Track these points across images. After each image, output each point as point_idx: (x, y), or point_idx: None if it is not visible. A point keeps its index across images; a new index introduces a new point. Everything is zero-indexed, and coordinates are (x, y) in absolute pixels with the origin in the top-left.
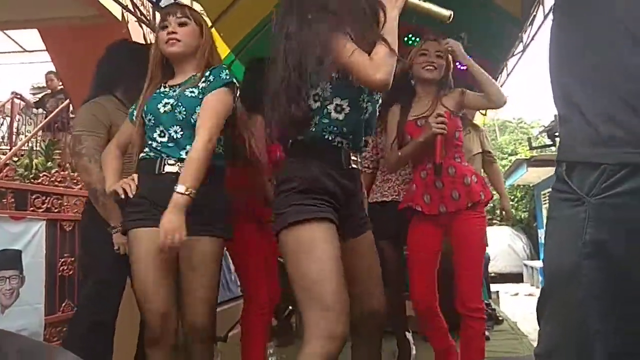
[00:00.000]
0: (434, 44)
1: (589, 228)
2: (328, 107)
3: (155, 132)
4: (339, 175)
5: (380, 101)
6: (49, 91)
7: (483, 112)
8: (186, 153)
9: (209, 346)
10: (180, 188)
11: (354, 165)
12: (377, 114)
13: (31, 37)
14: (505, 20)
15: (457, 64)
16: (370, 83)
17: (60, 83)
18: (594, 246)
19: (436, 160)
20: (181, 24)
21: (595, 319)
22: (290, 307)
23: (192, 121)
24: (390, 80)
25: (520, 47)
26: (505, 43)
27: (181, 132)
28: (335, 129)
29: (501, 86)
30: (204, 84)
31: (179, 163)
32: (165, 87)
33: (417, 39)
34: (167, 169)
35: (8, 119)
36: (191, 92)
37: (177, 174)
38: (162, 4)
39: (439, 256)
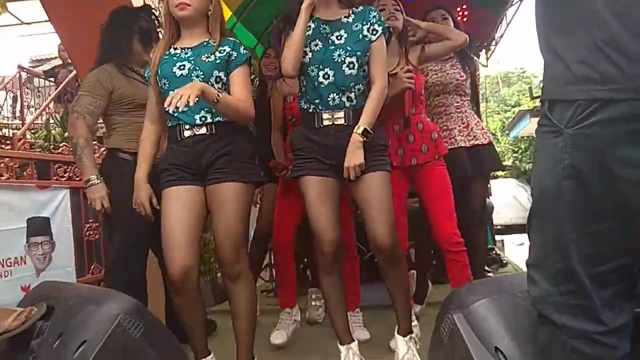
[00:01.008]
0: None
1: (566, 154)
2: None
3: (170, 95)
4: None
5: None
6: (57, 62)
7: (484, 63)
8: (200, 118)
9: (242, 283)
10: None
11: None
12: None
13: (29, 9)
14: None
15: None
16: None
17: None
18: (571, 169)
19: (405, 113)
20: None
21: (571, 229)
22: (305, 259)
23: (210, 84)
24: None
25: None
26: None
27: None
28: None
29: (501, 37)
30: (222, 54)
31: (194, 128)
32: (176, 49)
33: None
34: (185, 134)
35: (13, 93)
36: (207, 57)
37: (193, 136)
38: None
39: (405, 205)
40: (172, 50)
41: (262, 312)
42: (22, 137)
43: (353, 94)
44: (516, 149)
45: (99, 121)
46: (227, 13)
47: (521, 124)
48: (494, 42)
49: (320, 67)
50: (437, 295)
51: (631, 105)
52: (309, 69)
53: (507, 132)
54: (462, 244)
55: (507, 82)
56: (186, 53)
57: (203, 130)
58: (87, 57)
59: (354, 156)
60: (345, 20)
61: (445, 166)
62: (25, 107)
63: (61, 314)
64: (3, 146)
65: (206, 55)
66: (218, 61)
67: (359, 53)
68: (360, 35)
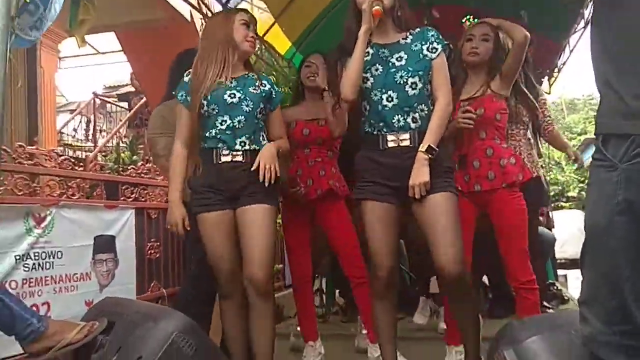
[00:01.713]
0: (480, 27)
1: (620, 189)
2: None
3: (218, 120)
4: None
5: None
6: (130, 89)
7: (547, 90)
8: (240, 143)
9: (266, 300)
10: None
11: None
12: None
13: (104, 40)
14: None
15: None
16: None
17: None
18: (625, 204)
19: (461, 151)
20: (255, 34)
21: (625, 266)
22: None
23: (255, 114)
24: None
25: (582, 24)
26: (566, 20)
27: (244, 122)
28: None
29: (564, 64)
30: (265, 89)
31: (232, 152)
32: (221, 77)
33: (476, 20)
34: (223, 159)
35: (87, 118)
36: (255, 90)
37: (230, 162)
38: (231, 4)
39: (472, 232)
40: (222, 78)
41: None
42: (93, 158)
43: (417, 114)
44: (582, 179)
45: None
46: (287, 44)
47: (587, 153)
48: (556, 70)
49: (383, 90)
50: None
51: None
52: (372, 93)
53: (571, 161)
54: (534, 281)
55: (573, 108)
56: (231, 82)
57: (239, 158)
58: (156, 86)
59: (419, 174)
60: (403, 42)
61: (520, 195)
62: (98, 131)
63: (121, 329)
64: (76, 168)
65: (253, 87)
66: (264, 94)
67: (420, 73)
68: (421, 55)
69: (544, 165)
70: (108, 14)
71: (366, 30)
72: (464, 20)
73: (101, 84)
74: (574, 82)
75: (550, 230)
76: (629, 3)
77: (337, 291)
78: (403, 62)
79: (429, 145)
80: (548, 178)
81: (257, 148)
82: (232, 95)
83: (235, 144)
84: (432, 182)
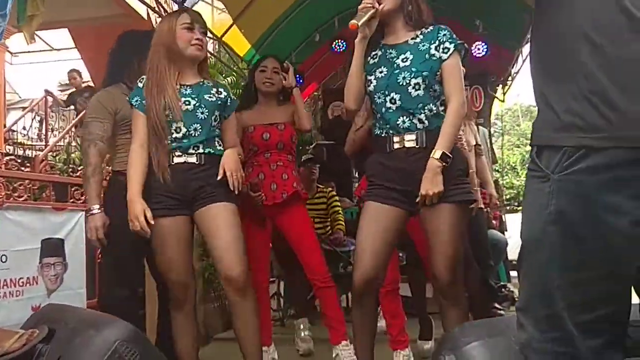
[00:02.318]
0: None
1: (553, 200)
2: None
3: (172, 126)
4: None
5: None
6: (74, 89)
7: (501, 98)
8: (194, 147)
9: (244, 297)
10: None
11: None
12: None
13: (59, 36)
14: (519, 7)
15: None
16: None
17: (83, 80)
18: (557, 215)
19: None
20: (202, 33)
21: (556, 275)
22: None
23: (210, 121)
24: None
25: None
26: (519, 29)
27: (200, 130)
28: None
29: (516, 73)
30: (221, 97)
31: (185, 154)
32: (178, 84)
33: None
34: (176, 160)
35: (39, 116)
36: (210, 97)
37: (183, 164)
38: (187, 4)
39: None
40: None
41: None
42: (44, 158)
43: (424, 115)
44: None
45: None
46: (247, 45)
47: None
48: (510, 78)
49: (386, 92)
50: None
51: (617, 153)
52: (375, 96)
53: (526, 165)
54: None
55: (529, 115)
56: (186, 90)
57: (193, 159)
58: None
59: (431, 183)
60: (412, 41)
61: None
62: (50, 130)
63: (62, 337)
64: (23, 168)
65: (208, 95)
66: (219, 102)
67: (425, 73)
68: (427, 55)
69: (499, 170)
70: (61, 10)
71: (360, 39)
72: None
73: (56, 81)
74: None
75: (503, 233)
76: (557, 5)
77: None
78: (408, 63)
79: (443, 152)
80: (503, 182)
81: (212, 152)
82: (187, 103)
83: (189, 147)
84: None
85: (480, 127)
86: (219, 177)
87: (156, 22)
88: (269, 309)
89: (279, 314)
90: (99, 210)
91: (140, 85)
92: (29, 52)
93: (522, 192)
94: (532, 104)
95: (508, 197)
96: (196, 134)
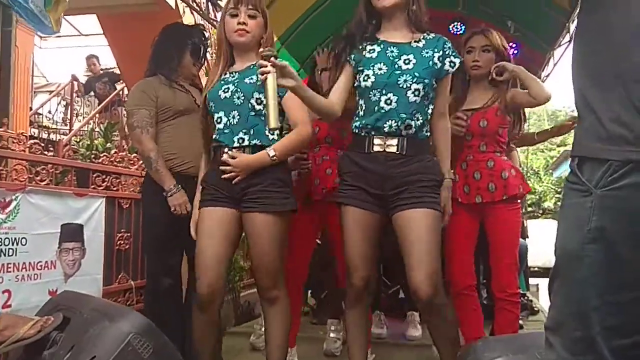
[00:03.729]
0: (480, 39)
1: (594, 216)
2: None
3: (214, 117)
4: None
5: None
6: (90, 74)
7: None
8: (238, 140)
9: (279, 308)
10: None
11: (377, 149)
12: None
13: (87, 22)
14: (552, 10)
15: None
16: None
17: (101, 67)
18: (597, 232)
19: (460, 163)
20: (251, 16)
21: (594, 296)
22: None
23: (249, 106)
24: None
25: (567, 38)
26: (552, 33)
27: (238, 117)
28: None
29: (548, 75)
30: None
31: (232, 151)
32: (225, 74)
33: (463, 27)
34: (224, 155)
35: (65, 100)
36: (250, 79)
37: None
38: None
39: (474, 242)
40: (223, 75)
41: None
42: (67, 143)
43: (413, 122)
44: (559, 190)
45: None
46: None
47: (565, 165)
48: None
49: (383, 91)
50: None
51: None
52: (371, 93)
53: (550, 171)
54: (517, 295)
55: (554, 120)
56: (233, 76)
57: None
58: (137, 70)
59: (447, 199)
60: (415, 45)
61: (518, 208)
62: (75, 115)
63: (76, 326)
64: (46, 152)
65: (249, 77)
66: (259, 82)
67: (426, 80)
68: (430, 63)
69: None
70: None
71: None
72: (451, 27)
73: (83, 67)
74: (556, 94)
75: (524, 239)
76: (611, 4)
77: (309, 291)
78: (410, 66)
79: (448, 172)
80: None
81: (260, 143)
82: (226, 90)
83: (234, 142)
84: (418, 195)
85: None
86: (221, 168)
87: (184, 12)
88: (300, 310)
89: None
90: (178, 189)
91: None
92: (57, 36)
93: (544, 198)
94: (557, 108)
95: (530, 202)
96: (235, 122)
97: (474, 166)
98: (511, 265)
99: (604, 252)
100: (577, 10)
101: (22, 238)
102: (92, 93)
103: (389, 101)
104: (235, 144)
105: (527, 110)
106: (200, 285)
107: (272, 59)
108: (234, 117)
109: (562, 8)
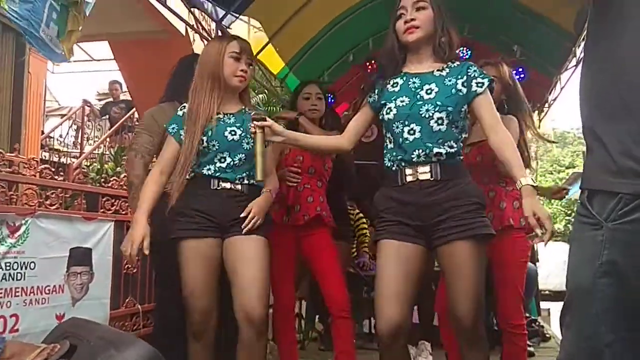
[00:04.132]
0: (491, 69)
1: (606, 250)
2: None
3: (217, 156)
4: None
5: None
6: (111, 99)
7: (536, 124)
8: (239, 178)
9: (260, 338)
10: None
11: (410, 179)
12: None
13: (99, 48)
14: (558, 35)
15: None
16: None
17: (123, 91)
18: (609, 266)
19: None
20: (248, 64)
21: (607, 331)
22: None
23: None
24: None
25: (574, 62)
26: (559, 57)
27: (244, 160)
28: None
29: (555, 99)
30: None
31: (232, 183)
32: (219, 113)
33: (469, 52)
34: (222, 185)
35: (76, 124)
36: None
37: (230, 189)
38: (225, 22)
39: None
40: (220, 115)
41: None
42: (77, 167)
43: (443, 150)
44: (569, 212)
45: None
46: (281, 64)
47: (575, 187)
48: (546, 105)
49: (406, 122)
50: None
51: None
52: (394, 125)
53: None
54: (524, 326)
55: (563, 142)
56: (229, 118)
57: (239, 187)
58: (147, 96)
59: (536, 207)
60: (438, 73)
61: (522, 238)
62: (85, 138)
63: (82, 354)
64: (56, 177)
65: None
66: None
67: (450, 108)
68: (454, 90)
69: None
70: (102, 23)
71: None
72: (457, 52)
73: (94, 91)
74: (563, 116)
75: (535, 264)
76: (618, 34)
77: (317, 317)
78: (432, 95)
79: (528, 184)
80: None
81: (254, 183)
82: (233, 132)
83: (235, 178)
84: (460, 223)
85: None
86: (242, 215)
87: (194, 40)
88: (295, 335)
89: (300, 336)
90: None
91: (180, 114)
92: (69, 61)
93: (554, 220)
94: (566, 130)
95: None
96: (240, 164)
97: None
98: (514, 296)
99: (616, 286)
100: (584, 36)
101: (30, 262)
102: (107, 116)
103: (412, 132)
104: (237, 181)
105: (531, 135)
106: (192, 314)
107: (261, 121)
108: (240, 160)
109: (568, 32)
